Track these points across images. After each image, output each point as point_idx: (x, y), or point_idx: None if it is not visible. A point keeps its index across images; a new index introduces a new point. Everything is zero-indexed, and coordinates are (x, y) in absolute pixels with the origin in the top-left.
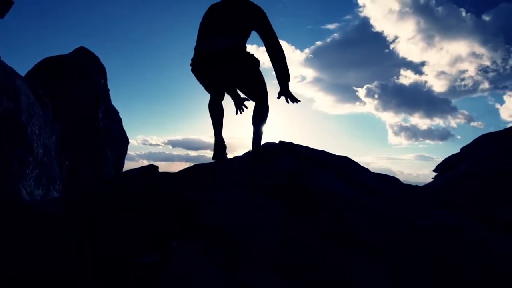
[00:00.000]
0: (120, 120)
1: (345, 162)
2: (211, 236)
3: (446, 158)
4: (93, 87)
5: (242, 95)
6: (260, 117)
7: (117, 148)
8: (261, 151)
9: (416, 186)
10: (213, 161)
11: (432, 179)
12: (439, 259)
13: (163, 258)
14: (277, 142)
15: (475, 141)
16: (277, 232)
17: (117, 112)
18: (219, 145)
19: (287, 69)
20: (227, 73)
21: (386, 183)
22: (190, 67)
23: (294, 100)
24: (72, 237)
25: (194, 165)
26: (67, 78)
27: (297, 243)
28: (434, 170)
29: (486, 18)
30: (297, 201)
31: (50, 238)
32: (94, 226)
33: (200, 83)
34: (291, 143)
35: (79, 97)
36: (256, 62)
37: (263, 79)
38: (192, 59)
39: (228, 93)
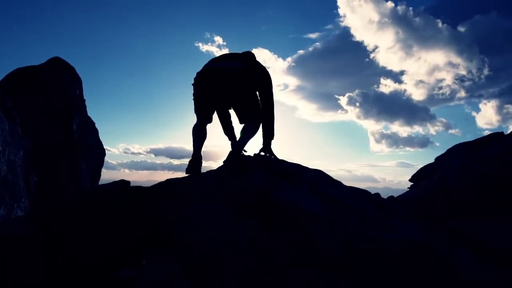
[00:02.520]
0: (96, 131)
1: (319, 176)
2: (183, 252)
3: (421, 168)
4: (68, 98)
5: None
6: (250, 131)
7: (93, 160)
8: (235, 164)
9: (390, 196)
10: (186, 175)
11: (408, 188)
12: (403, 276)
13: (134, 273)
14: (252, 154)
15: (448, 150)
16: (246, 250)
17: (93, 123)
18: (196, 159)
19: (273, 130)
20: (229, 90)
21: (358, 197)
22: (194, 81)
23: (272, 156)
24: (37, 258)
25: (167, 180)
26: (40, 89)
27: (265, 262)
28: (410, 180)
29: (461, 29)
30: (268, 218)
31: (13, 260)
32: (61, 244)
33: (197, 99)
34: (266, 156)
35: (52, 109)
36: (257, 86)
37: (259, 104)
38: (198, 73)
39: (219, 115)
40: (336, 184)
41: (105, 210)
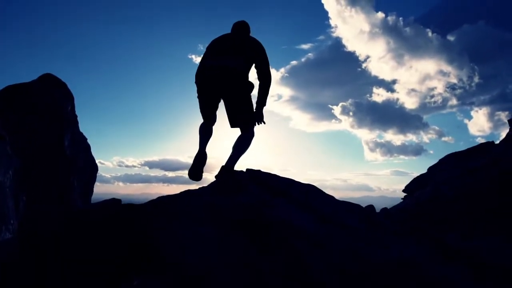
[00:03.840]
0: (88, 147)
1: (311, 191)
2: (174, 272)
3: (414, 179)
4: (59, 115)
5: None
6: (243, 146)
7: (85, 176)
8: (227, 181)
9: (384, 209)
10: (178, 193)
11: (402, 199)
12: None
13: None
14: (244, 170)
15: (441, 160)
16: (236, 270)
17: (85, 139)
18: (201, 156)
19: (266, 99)
20: (228, 89)
21: (349, 213)
22: (195, 79)
23: (262, 121)
24: (27, 283)
25: (159, 198)
26: (31, 106)
27: (256, 281)
28: (403, 191)
29: (450, 38)
30: (259, 237)
31: (2, 286)
32: (51, 268)
33: (200, 96)
34: (258, 172)
35: (43, 126)
36: (252, 88)
37: (253, 108)
38: (199, 71)
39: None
40: (329, 199)
41: (93, 231)
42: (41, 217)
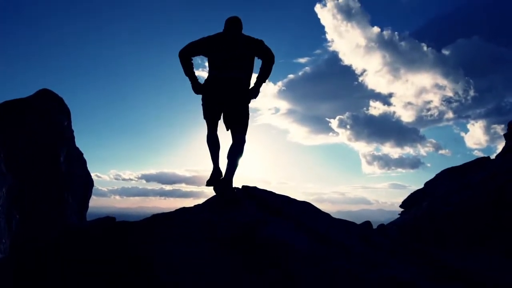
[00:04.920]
0: (84, 162)
1: (306, 209)
2: None
3: (411, 194)
4: (56, 130)
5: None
6: (238, 150)
7: (80, 192)
8: (224, 196)
9: (381, 225)
10: (173, 210)
11: (399, 215)
12: None
13: None
14: (240, 186)
15: (437, 176)
16: None
17: (81, 154)
18: (216, 172)
19: (267, 77)
20: (232, 95)
21: (345, 232)
22: (203, 89)
23: (255, 97)
24: None
25: (153, 215)
26: (27, 122)
27: None
28: (400, 206)
29: (445, 52)
30: (253, 256)
31: None
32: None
33: (207, 104)
34: (254, 188)
35: (39, 143)
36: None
37: (248, 116)
38: (207, 81)
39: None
40: (324, 217)
41: (88, 251)
42: (38, 234)
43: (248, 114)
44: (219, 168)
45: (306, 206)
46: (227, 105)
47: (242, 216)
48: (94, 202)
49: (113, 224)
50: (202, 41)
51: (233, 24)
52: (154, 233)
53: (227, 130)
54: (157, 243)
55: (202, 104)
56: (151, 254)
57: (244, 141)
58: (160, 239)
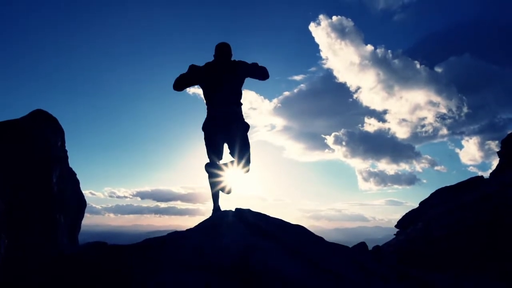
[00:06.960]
0: (77, 182)
1: (300, 234)
2: None
3: (406, 214)
4: (49, 151)
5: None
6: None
7: (72, 213)
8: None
9: (376, 246)
10: (166, 235)
11: (395, 235)
12: None
13: None
14: (234, 209)
15: (432, 195)
16: None
17: (74, 174)
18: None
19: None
20: (231, 130)
21: (338, 256)
22: (202, 127)
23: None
24: None
25: (145, 240)
26: (19, 143)
27: None
28: (396, 226)
29: (438, 69)
30: (247, 283)
31: None
32: None
33: (208, 140)
34: (248, 211)
35: (32, 163)
36: (248, 128)
37: (248, 143)
38: (206, 120)
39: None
40: (318, 242)
41: (78, 278)
42: (28, 258)
43: (249, 146)
44: (218, 207)
45: (299, 231)
46: (227, 138)
47: (235, 241)
48: (88, 220)
49: (107, 250)
50: (193, 73)
51: (221, 51)
52: (147, 257)
53: (232, 156)
54: (149, 268)
55: (205, 140)
56: (143, 280)
57: (249, 162)
58: (152, 265)
